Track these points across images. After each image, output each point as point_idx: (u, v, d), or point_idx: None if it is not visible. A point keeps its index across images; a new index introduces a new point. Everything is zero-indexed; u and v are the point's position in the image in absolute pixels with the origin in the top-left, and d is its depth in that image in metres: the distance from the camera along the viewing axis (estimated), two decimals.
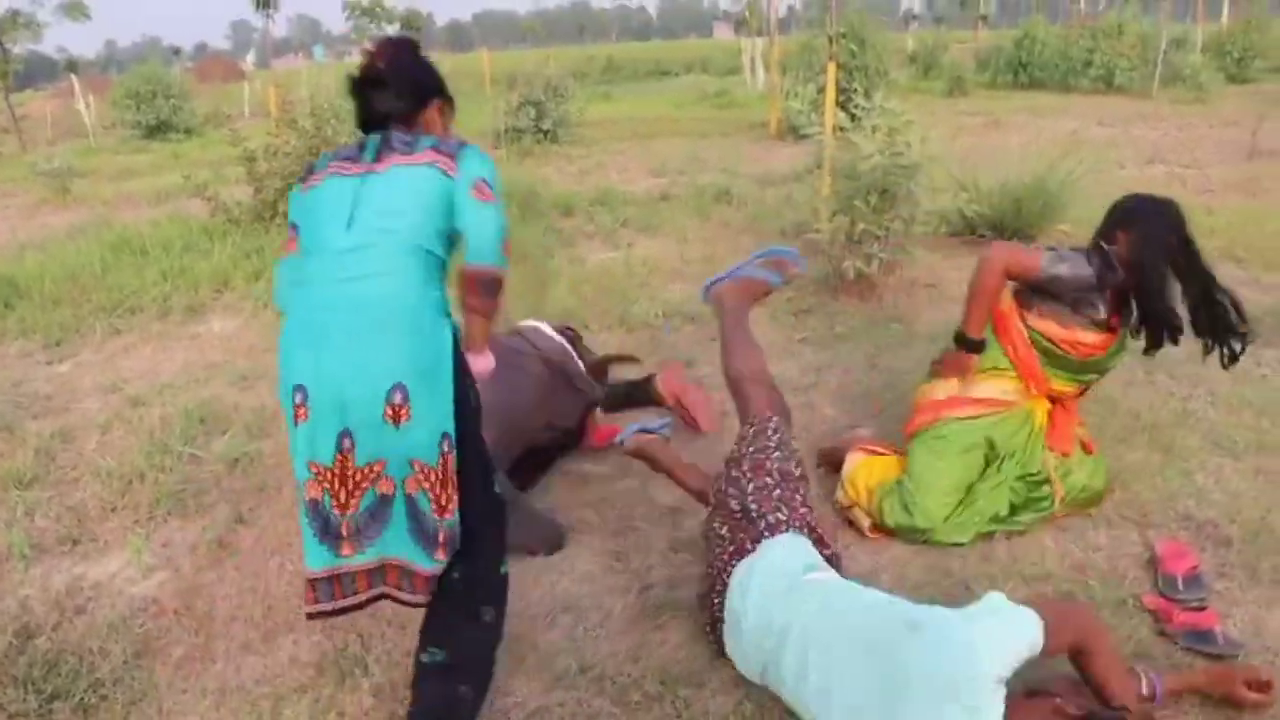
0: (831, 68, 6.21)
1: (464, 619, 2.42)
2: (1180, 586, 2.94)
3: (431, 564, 2.25)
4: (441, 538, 2.24)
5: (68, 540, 3.60)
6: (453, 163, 2.31)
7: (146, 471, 3.98)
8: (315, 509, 2.23)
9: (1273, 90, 20.33)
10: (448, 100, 2.59)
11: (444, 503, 2.22)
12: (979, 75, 23.54)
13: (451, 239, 2.35)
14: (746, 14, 27.57)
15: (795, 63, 15.95)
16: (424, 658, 2.42)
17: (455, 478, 2.23)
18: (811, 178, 6.93)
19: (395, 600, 2.34)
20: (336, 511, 2.22)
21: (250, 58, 53.10)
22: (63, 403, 4.95)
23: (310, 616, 2.31)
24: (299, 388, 2.19)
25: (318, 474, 2.20)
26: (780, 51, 16.30)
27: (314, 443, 2.19)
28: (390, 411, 2.14)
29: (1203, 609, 2.84)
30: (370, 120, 2.47)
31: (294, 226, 2.40)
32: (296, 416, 2.20)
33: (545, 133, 14.35)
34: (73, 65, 42.16)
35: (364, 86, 2.46)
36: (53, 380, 5.29)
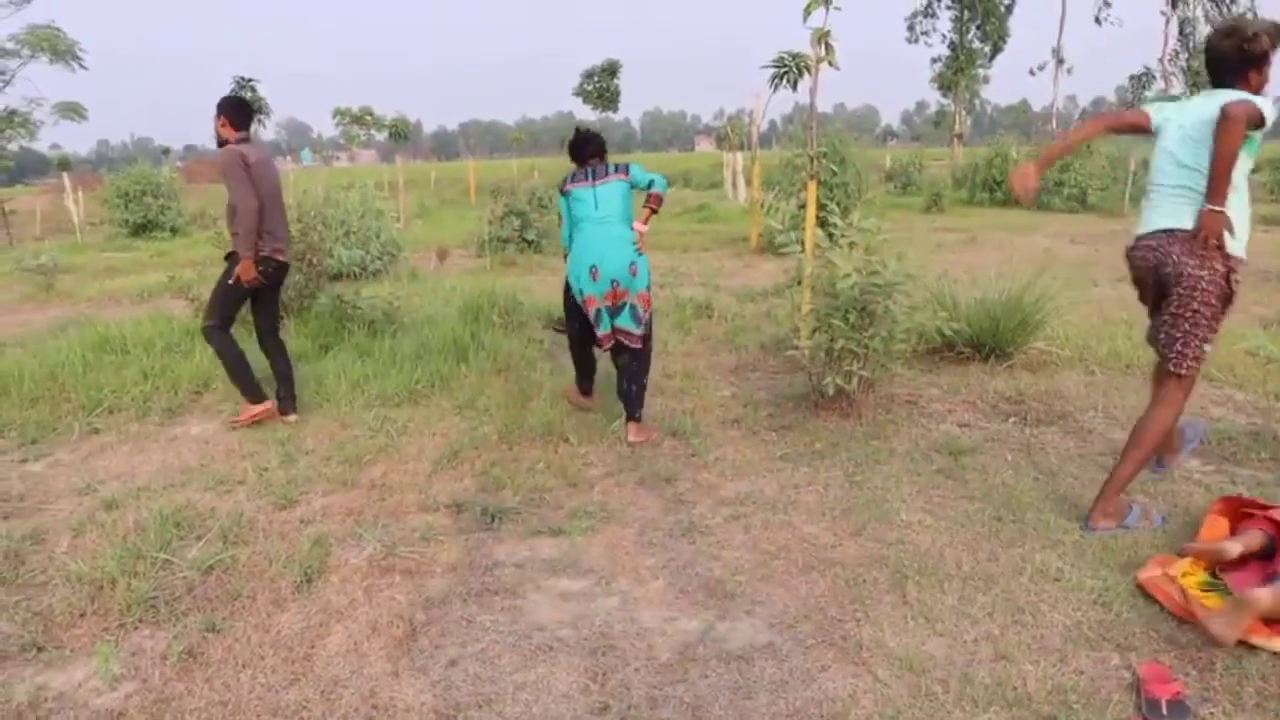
0: (812, 186, 6.34)
1: (640, 354, 5.61)
2: (1164, 711, 2.91)
3: (639, 329, 5.56)
4: (643, 322, 5.56)
5: (32, 647, 3.51)
6: (626, 175, 5.58)
7: (118, 577, 3.90)
8: (598, 314, 5.51)
9: None
10: (605, 151, 5.80)
11: (645, 309, 5.58)
12: (956, 192, 24.07)
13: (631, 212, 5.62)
14: (728, 129, 28.17)
15: (776, 178, 16.27)
16: (621, 360, 5.65)
17: (649, 302, 5.62)
18: (791, 293, 7.02)
19: (623, 343, 5.58)
20: (608, 312, 5.51)
21: None
22: (35, 503, 4.89)
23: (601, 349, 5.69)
24: (593, 267, 5.43)
25: (604, 296, 5.48)
26: (761, 167, 16.63)
27: (601, 286, 5.45)
28: (630, 271, 5.45)
29: None
30: (584, 159, 5.69)
31: (563, 211, 5.72)
32: (593, 276, 5.43)
33: (529, 242, 14.52)
34: (64, 162, 42.51)
35: (581, 144, 5.72)
36: (26, 479, 5.23)
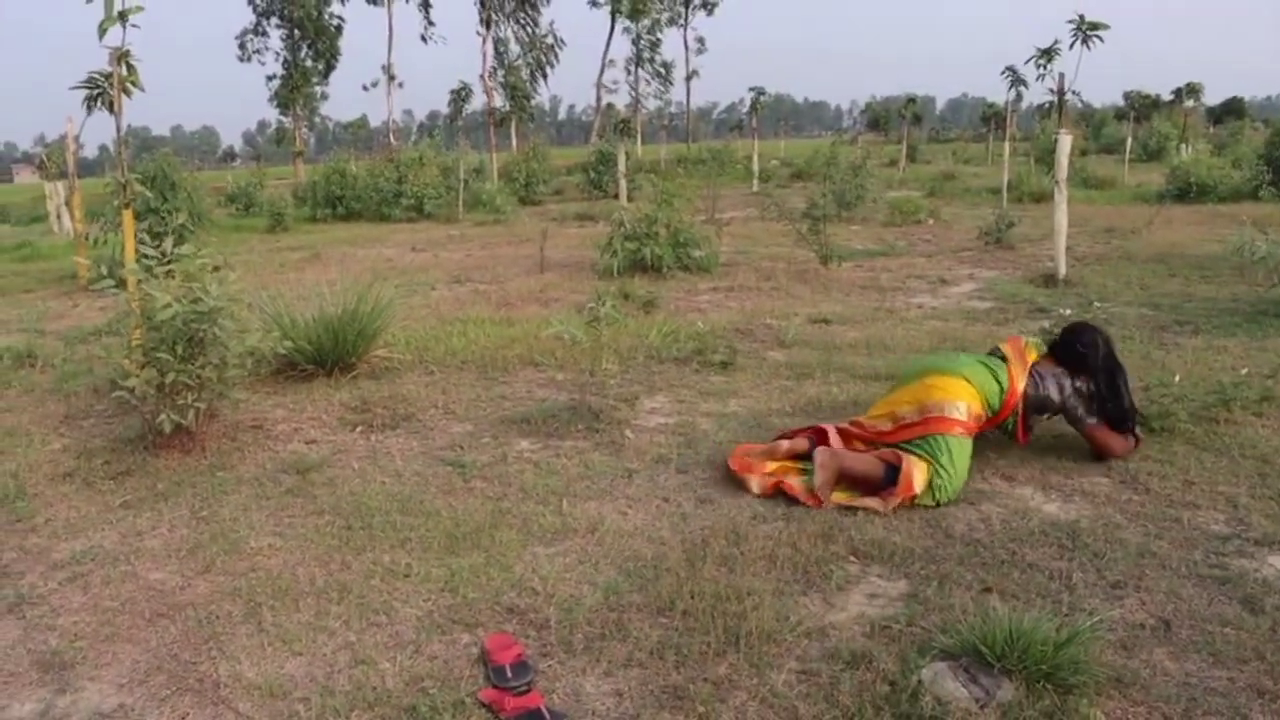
0: (128, 215, 5.92)
1: None
2: (509, 675, 3.13)
3: None
4: None
5: None
6: None
7: None
8: None
9: (555, 209, 23.15)
10: None
11: None
12: (300, 210, 23.96)
13: None
14: (45, 156, 25.55)
15: (105, 208, 15.02)
16: None
17: None
18: (123, 330, 6.54)
19: None
20: None
21: None
22: None
23: None
24: None
25: None
26: (83, 197, 15.26)
27: None
28: None
29: (528, 691, 3.06)
30: None
31: None
32: None
33: None
34: None
35: None
36: None
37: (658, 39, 62.72)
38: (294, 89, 50.27)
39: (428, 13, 53.34)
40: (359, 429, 5.84)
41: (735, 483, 4.77)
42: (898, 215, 17.84)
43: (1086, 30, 10.53)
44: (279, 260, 14.63)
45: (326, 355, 6.81)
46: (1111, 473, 4.81)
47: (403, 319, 8.30)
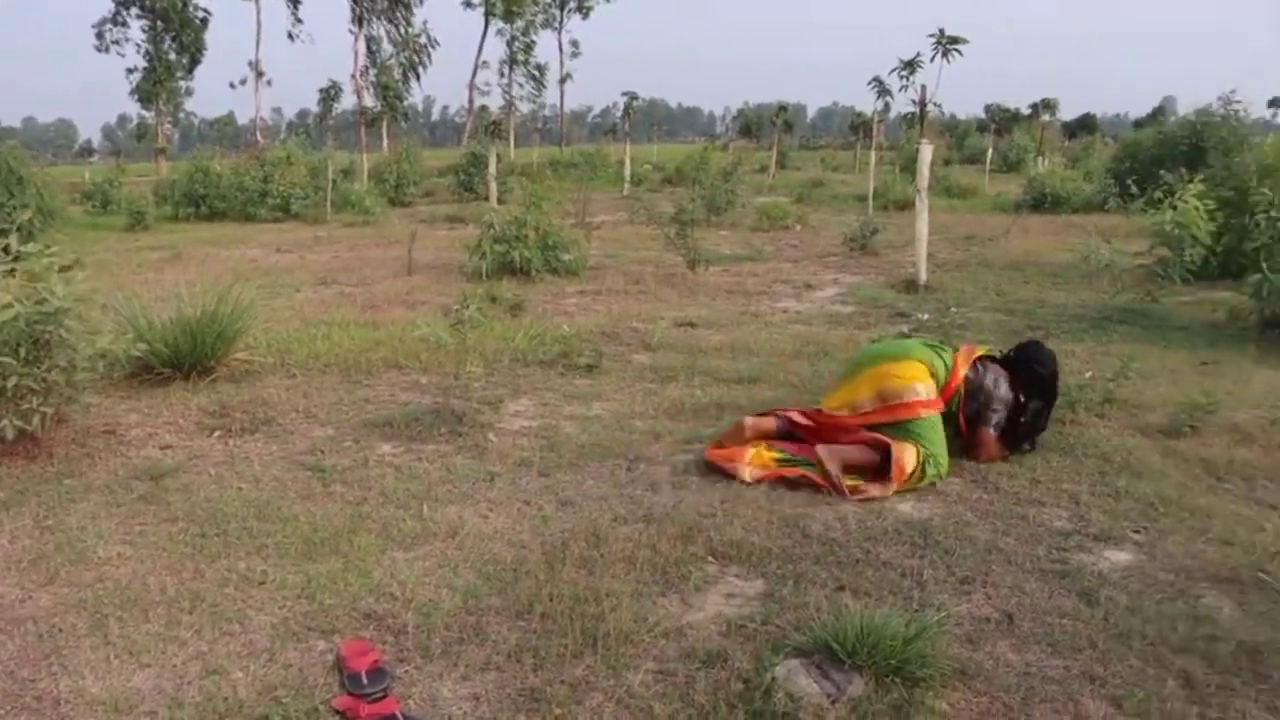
0: None
1: None
2: (365, 681, 3.12)
3: None
4: None
5: None
6: None
7: None
8: None
9: (425, 211, 22.95)
10: None
11: None
12: (162, 208, 23.15)
13: None
14: None
15: None
16: None
17: None
18: None
19: None
20: None
21: None
22: None
23: None
24: None
25: None
26: None
27: None
28: None
29: (384, 698, 3.05)
30: None
31: None
32: None
33: None
34: None
35: None
36: None
37: (532, 41, 62.62)
38: (157, 83, 48.58)
39: (296, 9, 52.19)
40: (217, 434, 5.71)
41: (725, 474, 4.93)
42: (766, 221, 18.19)
43: (947, 44, 10.95)
44: (137, 260, 14.15)
45: (184, 358, 6.62)
46: (964, 472, 5.01)
47: (265, 321, 8.12)
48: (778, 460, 5.00)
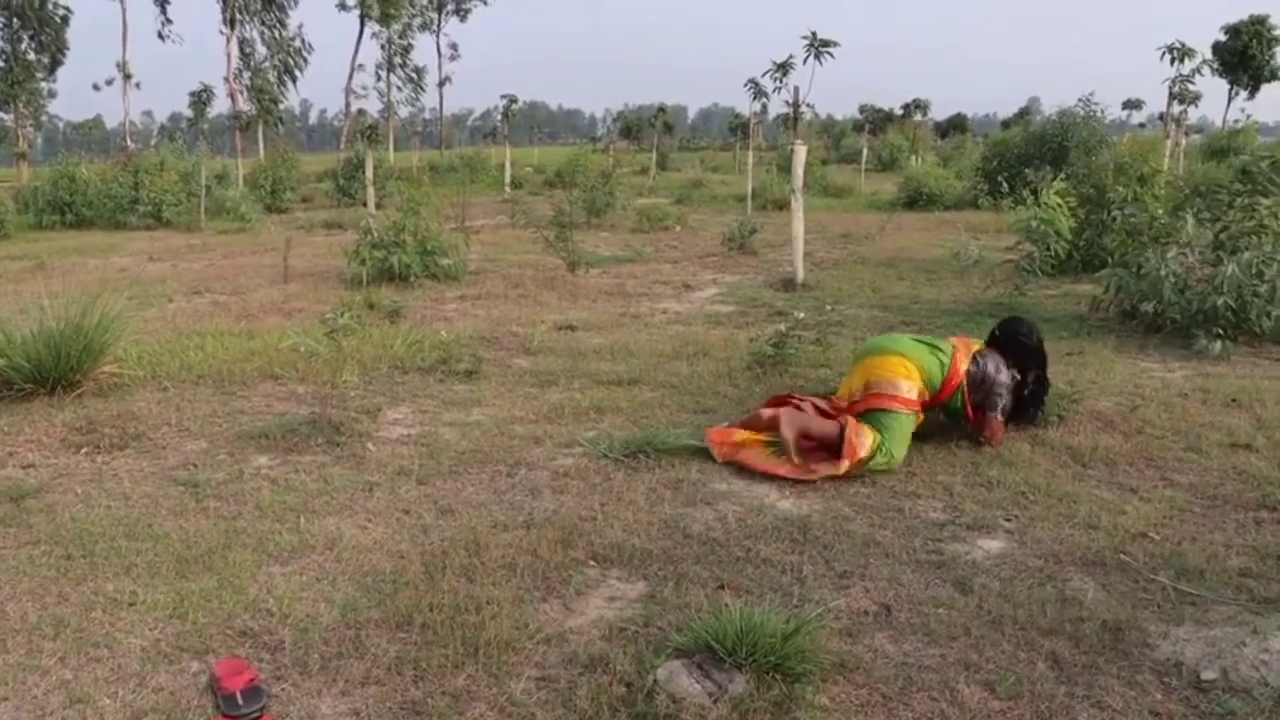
0: None
1: None
2: (240, 701, 3.05)
3: None
4: None
5: None
6: None
7: None
8: None
9: (303, 217, 22.52)
10: None
11: None
12: (23, 216, 22.21)
13: None
14: None
15: None
16: None
17: None
18: None
19: None
20: None
21: None
22: None
23: None
24: None
25: None
26: None
27: None
28: None
29: (260, 717, 3.00)
30: None
31: None
32: None
33: None
34: None
35: None
36: None
37: (409, 44, 61.55)
38: (14, 84, 46.53)
39: (165, 8, 50.49)
40: (84, 450, 5.52)
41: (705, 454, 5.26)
42: (646, 222, 18.31)
43: (819, 46, 11.16)
44: None
45: (47, 373, 6.38)
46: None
47: (135, 333, 7.87)
48: (765, 443, 5.28)
